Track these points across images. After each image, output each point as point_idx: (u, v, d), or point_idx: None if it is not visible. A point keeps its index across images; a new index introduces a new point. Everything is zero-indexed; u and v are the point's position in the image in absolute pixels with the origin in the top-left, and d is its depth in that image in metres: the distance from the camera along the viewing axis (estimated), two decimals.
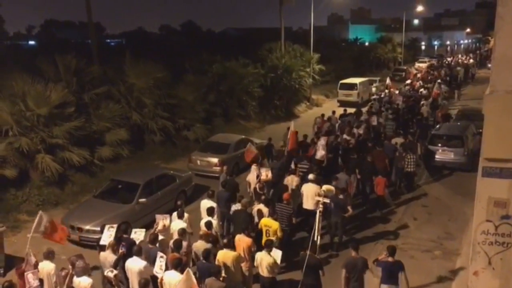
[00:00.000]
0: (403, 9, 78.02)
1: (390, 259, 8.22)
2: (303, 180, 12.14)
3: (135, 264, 7.88)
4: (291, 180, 12.39)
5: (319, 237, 9.36)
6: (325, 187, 10.43)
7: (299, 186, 11.99)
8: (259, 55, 29.76)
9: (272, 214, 9.79)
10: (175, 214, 9.95)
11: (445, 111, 21.41)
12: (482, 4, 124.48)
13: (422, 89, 29.33)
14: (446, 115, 20.72)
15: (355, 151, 15.21)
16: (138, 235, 9.09)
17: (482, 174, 7.16)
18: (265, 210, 10.11)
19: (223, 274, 7.90)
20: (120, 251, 8.23)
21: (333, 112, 21.74)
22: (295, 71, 28.82)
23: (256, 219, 10.18)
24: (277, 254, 8.32)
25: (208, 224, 9.30)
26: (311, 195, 11.15)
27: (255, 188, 12.13)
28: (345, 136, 16.76)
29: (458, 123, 19.31)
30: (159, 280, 7.68)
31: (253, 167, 13.28)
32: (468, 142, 16.46)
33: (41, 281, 7.45)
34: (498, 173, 7.01)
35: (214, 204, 10.37)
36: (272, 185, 12.75)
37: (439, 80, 32.53)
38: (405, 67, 49.89)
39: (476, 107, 20.89)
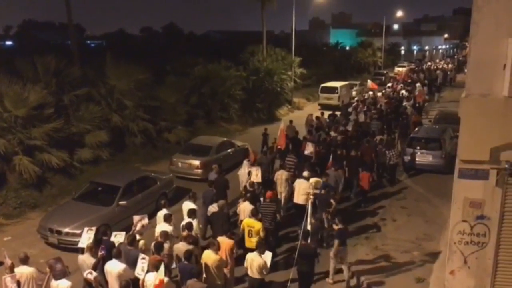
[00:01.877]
0: (383, 14, 79.48)
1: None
2: (294, 174, 12.64)
3: (114, 267, 7.78)
4: (280, 175, 12.71)
5: (310, 226, 9.59)
6: (313, 179, 10.60)
7: (289, 180, 12.46)
8: (241, 58, 29.86)
9: (255, 214, 9.81)
10: (161, 216, 9.92)
11: (418, 118, 21.81)
12: (459, 10, 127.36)
13: (403, 91, 30.68)
14: (418, 122, 21.01)
15: (342, 147, 15.73)
16: (118, 238, 8.96)
17: (458, 175, 7.35)
18: (249, 208, 10.13)
19: (204, 275, 7.90)
20: (100, 253, 8.12)
21: (322, 113, 22.55)
22: (277, 74, 29.00)
23: (241, 217, 10.30)
24: (267, 256, 8.35)
25: (189, 226, 9.25)
26: (302, 191, 11.55)
27: (245, 186, 12.19)
28: (332, 133, 17.71)
29: (436, 126, 19.70)
30: (140, 282, 7.64)
31: (245, 162, 13.58)
32: (446, 145, 16.80)
33: (18, 284, 7.30)
34: (474, 175, 7.22)
35: (195, 206, 10.36)
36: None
37: (418, 84, 33.40)
38: (385, 72, 50.64)
39: (453, 111, 21.34)
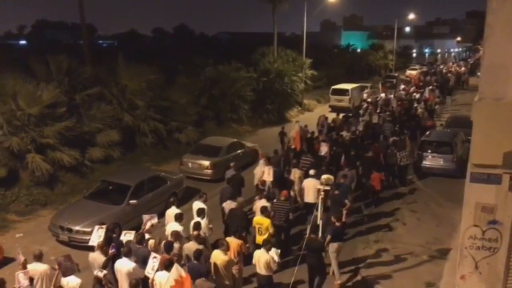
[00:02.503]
0: (395, 17, 78.87)
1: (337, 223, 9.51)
2: (307, 173, 12.76)
3: (124, 265, 7.84)
4: (294, 173, 13.10)
5: (321, 221, 9.66)
6: (324, 176, 10.63)
7: (301, 179, 12.72)
8: (251, 59, 29.89)
9: (264, 211, 9.94)
10: (170, 214, 10.02)
11: (432, 123, 21.76)
12: (472, 13, 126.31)
13: (415, 94, 30.96)
14: (432, 126, 20.93)
15: (353, 147, 16.08)
16: (128, 237, 9.04)
17: (470, 179, 7.28)
18: (266, 205, 10.32)
19: (212, 274, 7.95)
20: (110, 252, 8.19)
21: (338, 115, 23.04)
22: (288, 76, 28.99)
23: (257, 215, 10.46)
24: (274, 253, 8.45)
25: (197, 225, 9.26)
26: (312, 189, 11.75)
27: (257, 184, 12.44)
28: (344, 133, 18.14)
29: (448, 130, 19.53)
30: (150, 281, 7.68)
31: (261, 161, 13.83)
32: (458, 148, 16.66)
33: (31, 280, 7.37)
34: (486, 179, 7.14)
35: (204, 206, 10.36)
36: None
37: (430, 87, 33.33)
38: (396, 74, 50.35)
39: (465, 114, 21.19)
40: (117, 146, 16.76)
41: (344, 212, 11.34)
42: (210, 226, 10.08)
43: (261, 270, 8.39)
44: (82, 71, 17.12)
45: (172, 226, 9.55)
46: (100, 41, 64.94)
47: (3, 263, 10.07)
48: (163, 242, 8.67)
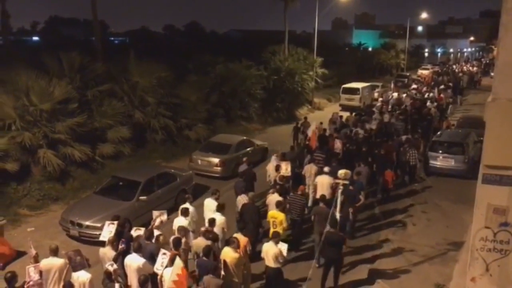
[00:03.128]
0: (407, 16, 78.22)
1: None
2: (319, 169, 13.04)
3: (134, 261, 7.87)
4: (310, 168, 13.28)
5: (339, 214, 9.76)
6: (342, 171, 10.70)
7: (317, 174, 12.90)
8: (262, 57, 29.85)
9: (279, 206, 10.06)
10: (187, 204, 10.14)
11: (448, 123, 21.69)
12: (486, 13, 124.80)
13: (427, 93, 30.88)
14: (448, 127, 20.86)
15: (366, 144, 16.19)
16: (138, 233, 9.10)
17: (482, 180, 7.19)
18: (279, 199, 10.46)
19: (222, 272, 7.96)
20: (120, 247, 8.25)
21: (351, 113, 23.39)
22: (298, 74, 28.90)
23: (269, 209, 10.62)
24: (283, 246, 8.54)
25: (211, 221, 9.32)
26: (326, 186, 11.95)
27: (274, 179, 12.59)
28: (359, 130, 18.40)
29: (460, 130, 19.35)
30: (159, 277, 7.73)
31: (273, 157, 14.00)
32: (469, 149, 16.49)
33: (41, 274, 7.44)
34: (498, 180, 7.04)
35: (216, 203, 10.27)
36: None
37: (442, 86, 33.16)
38: (407, 74, 49.98)
39: (477, 115, 21.01)
40: (127, 143, 16.87)
41: (356, 205, 11.46)
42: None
43: (270, 262, 8.47)
44: (94, 67, 17.26)
45: (178, 220, 9.63)
46: (112, 38, 65.20)
47: (14, 256, 10.18)
48: (172, 238, 8.73)
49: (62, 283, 7.50)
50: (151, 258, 8.07)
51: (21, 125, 14.05)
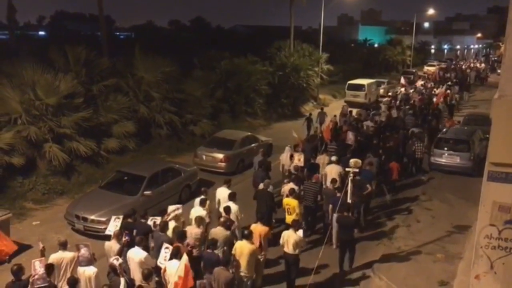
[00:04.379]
0: (413, 12, 77.52)
1: (338, 194, 10.41)
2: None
3: (136, 255, 7.97)
4: (323, 159, 14.02)
5: (351, 199, 10.15)
6: (353, 160, 11.07)
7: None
8: (267, 53, 29.78)
9: (292, 193, 10.54)
10: (197, 200, 10.27)
11: (453, 122, 21.57)
12: (494, 9, 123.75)
13: (435, 89, 31.48)
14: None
15: (376, 137, 17.31)
16: (153, 222, 9.27)
17: (487, 178, 7.15)
18: (294, 187, 10.91)
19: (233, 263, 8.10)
20: (124, 239, 8.32)
21: (362, 108, 24.25)
22: (303, 70, 28.82)
23: (284, 197, 11.02)
24: (300, 233, 8.84)
25: (227, 209, 9.63)
26: (334, 174, 12.40)
27: (289, 170, 13.33)
28: (368, 122, 19.27)
29: (465, 128, 19.24)
30: (162, 271, 7.78)
31: (287, 148, 14.54)
32: (475, 147, 16.41)
33: (48, 268, 7.46)
34: (504, 178, 7.00)
35: (228, 191, 10.64)
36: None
37: (449, 82, 33.25)
38: (414, 70, 49.73)
39: (483, 112, 20.90)
40: (132, 137, 16.92)
41: (363, 193, 11.77)
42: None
43: (289, 249, 8.76)
44: (100, 62, 17.30)
45: (196, 210, 9.81)
46: (118, 33, 65.33)
47: (20, 249, 10.25)
48: (176, 230, 8.82)
49: (71, 269, 7.59)
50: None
51: (27, 119, 14.12)
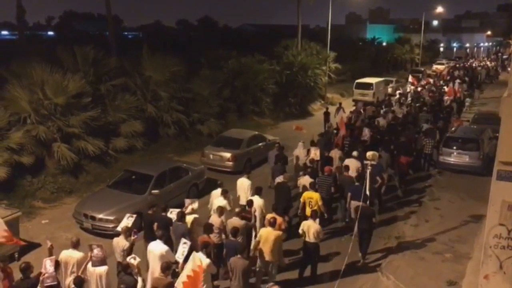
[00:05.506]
0: (422, 10, 76.76)
1: (356, 183, 11.17)
2: (347, 153, 14.65)
3: (156, 248, 8.15)
4: (334, 153, 14.66)
5: (368, 191, 10.41)
6: (369, 153, 11.37)
7: (342, 158, 14.23)
8: (275, 52, 29.73)
9: (313, 187, 11.08)
10: (217, 191, 10.72)
11: (461, 122, 21.46)
12: (504, 6, 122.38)
13: (445, 87, 31.63)
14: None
15: (389, 133, 17.79)
16: (173, 214, 9.48)
17: (496, 177, 7.10)
18: (308, 181, 11.46)
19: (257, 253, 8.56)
20: (133, 238, 8.41)
21: (374, 106, 24.76)
22: (311, 69, 28.73)
23: (300, 190, 11.69)
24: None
25: (249, 202, 10.20)
26: (353, 169, 12.81)
27: (305, 163, 13.66)
28: (381, 119, 19.94)
29: (475, 126, 19.07)
30: (180, 265, 7.91)
31: (300, 143, 15.07)
32: (484, 146, 16.25)
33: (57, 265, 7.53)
34: None
35: (250, 182, 11.43)
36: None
37: (458, 80, 33.23)
38: (422, 69, 49.39)
39: (493, 111, 20.73)
40: (140, 137, 16.98)
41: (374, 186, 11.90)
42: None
43: (310, 238, 9.21)
44: (108, 62, 17.38)
45: (218, 200, 10.28)
46: (126, 33, 65.57)
47: (29, 247, 10.34)
48: (205, 223, 9.04)
49: (81, 269, 7.63)
50: (183, 236, 8.65)
51: (36, 119, 14.23)
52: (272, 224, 8.76)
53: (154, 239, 8.50)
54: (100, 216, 11.21)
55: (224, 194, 10.45)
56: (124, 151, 16.46)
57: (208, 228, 8.80)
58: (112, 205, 11.46)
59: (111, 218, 11.06)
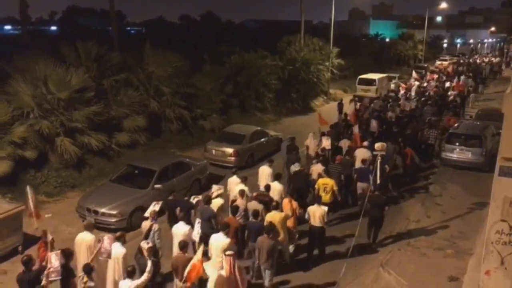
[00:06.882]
0: (426, 6, 76.37)
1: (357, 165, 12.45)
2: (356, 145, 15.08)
3: (180, 229, 8.78)
4: (344, 143, 15.46)
5: (379, 179, 11.07)
6: (378, 144, 12.24)
7: (351, 148, 14.83)
8: (278, 47, 29.65)
9: (327, 173, 11.69)
10: (234, 178, 11.47)
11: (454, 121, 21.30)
12: (508, 2, 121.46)
13: (448, 83, 32.11)
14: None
15: (395, 125, 18.68)
16: (196, 200, 10.16)
17: (498, 173, 7.11)
18: (321, 168, 12.03)
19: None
20: (150, 223, 8.84)
21: (383, 100, 25.27)
22: (314, 65, 28.67)
23: (313, 177, 12.18)
24: (324, 208, 9.80)
25: (267, 187, 10.79)
26: (363, 157, 13.10)
27: (316, 152, 14.30)
28: (390, 113, 20.71)
29: (478, 123, 19.03)
30: (196, 244, 8.65)
31: (310, 134, 15.56)
32: (487, 142, 16.22)
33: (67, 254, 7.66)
34: None
35: (271, 170, 12.02)
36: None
37: (462, 76, 33.40)
38: (425, 65, 49.24)
39: (496, 107, 20.68)
40: (143, 132, 17.02)
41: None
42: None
43: (316, 222, 9.69)
44: (110, 57, 17.36)
45: (239, 186, 10.82)
46: (129, 28, 65.56)
47: (31, 242, 10.41)
48: (231, 205, 9.84)
49: (91, 257, 7.83)
50: (209, 220, 9.36)
51: (39, 113, 14.25)
52: (275, 207, 9.43)
53: (176, 222, 9.15)
54: (103, 210, 11.26)
55: (244, 180, 11.15)
56: (127, 146, 16.50)
57: (235, 210, 9.56)
58: (115, 199, 11.52)
59: (114, 212, 11.13)
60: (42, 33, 46.04)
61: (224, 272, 7.38)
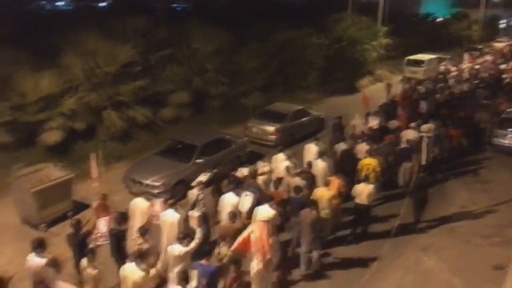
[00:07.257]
0: None
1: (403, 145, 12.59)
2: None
3: (229, 200, 9.12)
4: (392, 124, 15.21)
5: (425, 161, 11.36)
6: (425, 126, 12.78)
7: (400, 129, 14.63)
8: (324, 25, 28.94)
9: (371, 153, 11.63)
10: (279, 155, 11.63)
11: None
12: None
13: (503, 65, 30.97)
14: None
15: (445, 107, 18.57)
16: (244, 171, 10.67)
17: None
18: (365, 148, 12.10)
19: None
20: (197, 193, 9.29)
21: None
22: (361, 44, 27.83)
23: (359, 156, 12.18)
24: (371, 187, 9.96)
25: (310, 164, 11.11)
26: (410, 138, 13.18)
27: (362, 131, 14.17)
28: (438, 95, 20.60)
29: None
30: (243, 214, 8.87)
31: (357, 114, 15.72)
32: None
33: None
34: None
35: (318, 148, 12.18)
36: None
37: None
38: (480, 46, 46.69)
39: None
40: (187, 108, 17.25)
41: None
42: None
43: (362, 200, 9.86)
44: (157, 32, 17.57)
45: (284, 163, 11.17)
46: (175, 5, 65.82)
47: (80, 207, 10.94)
48: (276, 179, 10.17)
49: (144, 222, 8.37)
50: (254, 193, 9.43)
51: (88, 86, 14.73)
52: (326, 183, 9.72)
53: (222, 193, 9.51)
54: (147, 182, 11.61)
55: (289, 157, 11.51)
56: (171, 121, 16.80)
57: (278, 183, 9.93)
58: (159, 171, 11.86)
59: (158, 184, 11.46)
60: (93, 9, 47.14)
61: (253, 235, 7.58)
